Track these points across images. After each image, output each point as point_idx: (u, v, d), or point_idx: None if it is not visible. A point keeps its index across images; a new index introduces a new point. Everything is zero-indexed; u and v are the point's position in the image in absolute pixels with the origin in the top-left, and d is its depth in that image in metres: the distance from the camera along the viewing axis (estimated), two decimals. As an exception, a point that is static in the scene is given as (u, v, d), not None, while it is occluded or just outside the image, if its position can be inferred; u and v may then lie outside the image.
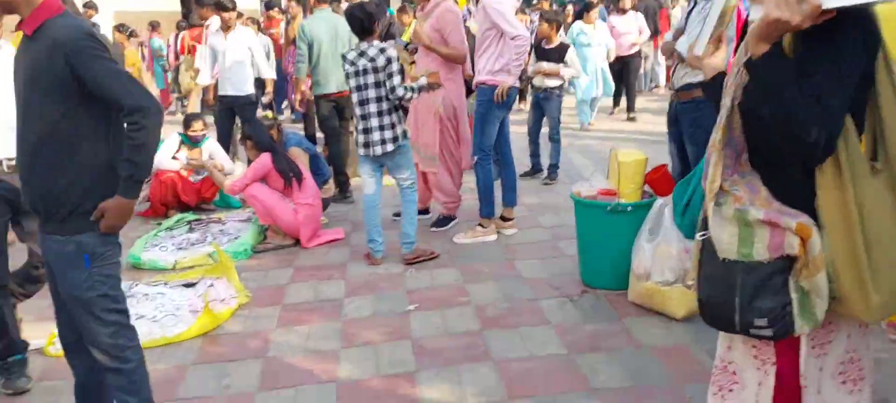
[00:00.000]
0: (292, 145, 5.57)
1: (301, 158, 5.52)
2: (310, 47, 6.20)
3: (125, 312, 2.55)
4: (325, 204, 5.86)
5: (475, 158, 5.09)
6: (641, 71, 12.00)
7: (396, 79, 4.49)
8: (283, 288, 4.48)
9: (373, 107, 4.58)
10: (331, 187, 5.94)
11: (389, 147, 4.61)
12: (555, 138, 6.80)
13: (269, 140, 5.21)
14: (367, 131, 4.62)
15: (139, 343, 2.61)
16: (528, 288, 4.27)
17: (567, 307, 3.96)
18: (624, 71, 10.11)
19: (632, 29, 10.07)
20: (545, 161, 7.06)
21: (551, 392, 3.07)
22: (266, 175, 5.14)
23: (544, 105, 6.83)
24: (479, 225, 5.21)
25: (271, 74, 7.12)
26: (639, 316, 3.78)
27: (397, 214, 5.48)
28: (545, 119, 6.96)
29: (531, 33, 8.31)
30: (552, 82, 6.75)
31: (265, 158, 5.09)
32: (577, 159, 7.90)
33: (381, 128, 4.59)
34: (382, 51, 4.49)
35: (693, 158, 4.06)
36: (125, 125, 2.37)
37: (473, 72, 6.04)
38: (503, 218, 5.33)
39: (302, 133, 7.15)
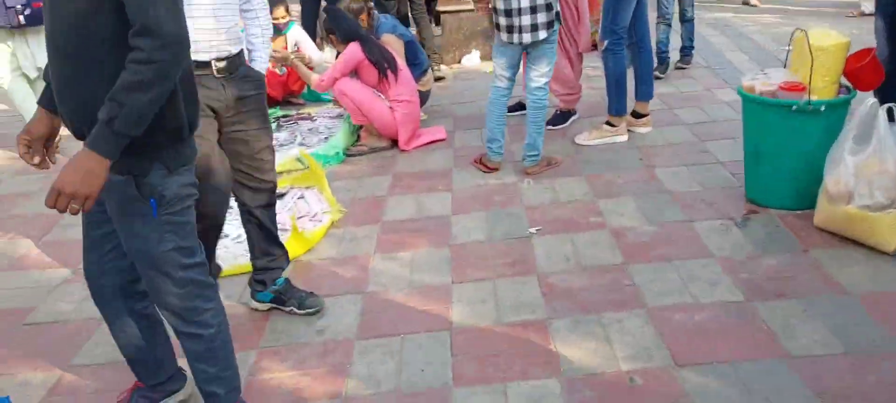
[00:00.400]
0: (385, 31, 4.82)
1: (395, 46, 4.78)
2: None
3: (202, 265, 1.98)
4: (424, 97, 5.15)
5: (604, 43, 4.19)
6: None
7: None
8: (381, 201, 3.87)
9: None
10: (429, 79, 5.20)
11: (542, 34, 3.73)
12: (688, 16, 5.66)
13: (353, 27, 4.46)
14: (509, 13, 3.71)
15: (220, 303, 2.06)
16: (676, 204, 3.47)
17: (732, 232, 3.15)
18: None
19: None
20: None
21: (733, 358, 2.33)
22: (357, 67, 4.45)
23: None
24: (607, 123, 4.37)
25: None
26: (830, 247, 2.94)
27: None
28: None
29: None
30: None
31: (354, 48, 4.38)
32: (713, 38, 6.76)
33: (534, 9, 3.68)
34: None
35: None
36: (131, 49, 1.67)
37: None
38: (635, 115, 4.47)
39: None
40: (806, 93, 3.03)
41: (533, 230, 3.34)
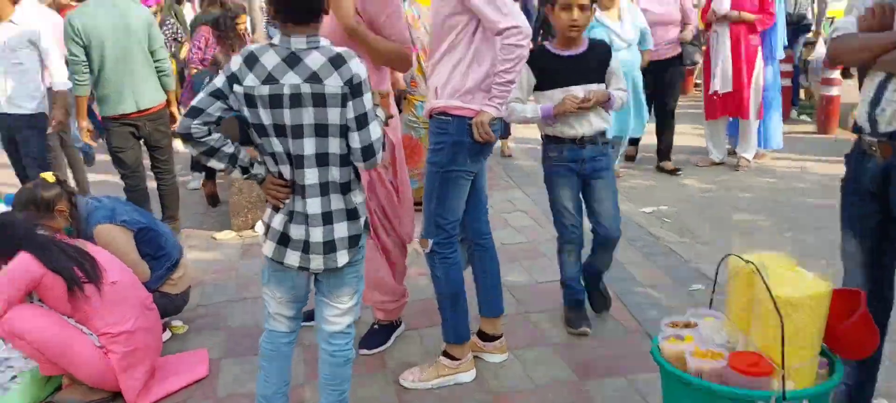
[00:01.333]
0: (98, 223, 3.13)
1: (119, 241, 3.11)
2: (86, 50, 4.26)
3: None
4: (179, 303, 3.49)
5: (429, 243, 2.82)
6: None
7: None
8: None
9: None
10: (184, 274, 3.52)
11: (343, 257, 2.21)
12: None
13: (20, 232, 2.73)
14: (292, 217, 2.19)
15: None
16: None
17: None
18: (658, 86, 6.02)
19: (671, 13, 5.92)
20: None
21: None
22: (36, 288, 2.71)
23: (591, 169, 3.16)
24: (444, 354, 2.94)
25: (64, 79, 4.55)
26: None
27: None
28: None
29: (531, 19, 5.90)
30: (599, 120, 3.10)
31: (24, 261, 2.66)
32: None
33: (328, 217, 2.17)
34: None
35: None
36: None
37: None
38: (484, 336, 3.09)
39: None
40: (776, 375, 1.77)
41: None
